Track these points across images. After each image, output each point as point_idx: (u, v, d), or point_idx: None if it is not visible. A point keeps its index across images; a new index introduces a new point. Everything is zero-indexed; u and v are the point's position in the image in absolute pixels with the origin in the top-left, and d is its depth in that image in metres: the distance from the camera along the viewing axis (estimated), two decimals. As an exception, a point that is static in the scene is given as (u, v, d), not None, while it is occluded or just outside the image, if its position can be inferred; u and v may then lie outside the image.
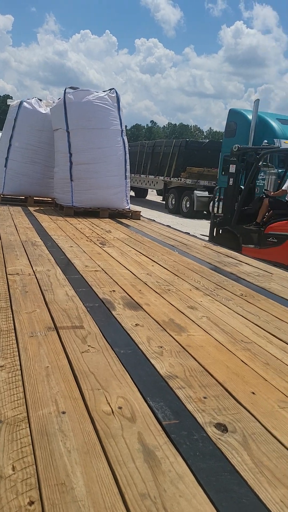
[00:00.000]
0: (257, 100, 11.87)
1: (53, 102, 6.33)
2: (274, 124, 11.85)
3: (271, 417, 1.29)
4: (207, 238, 7.49)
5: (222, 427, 1.22)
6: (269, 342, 1.91)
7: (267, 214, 7.44)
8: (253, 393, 1.43)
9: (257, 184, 10.50)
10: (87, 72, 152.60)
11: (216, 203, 8.50)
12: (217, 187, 8.76)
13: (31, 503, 0.88)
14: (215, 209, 8.45)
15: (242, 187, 7.74)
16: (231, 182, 7.58)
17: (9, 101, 6.88)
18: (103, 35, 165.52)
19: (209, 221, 13.55)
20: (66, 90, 5.60)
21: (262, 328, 2.07)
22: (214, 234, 7.83)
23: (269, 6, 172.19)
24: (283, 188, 7.44)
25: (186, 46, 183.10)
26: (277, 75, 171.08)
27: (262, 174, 10.58)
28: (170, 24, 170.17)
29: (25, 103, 6.41)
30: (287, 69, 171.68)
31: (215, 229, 7.90)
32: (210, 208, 13.58)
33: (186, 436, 1.16)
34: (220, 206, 8.26)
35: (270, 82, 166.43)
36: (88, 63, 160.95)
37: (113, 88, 5.79)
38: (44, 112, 6.41)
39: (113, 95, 5.74)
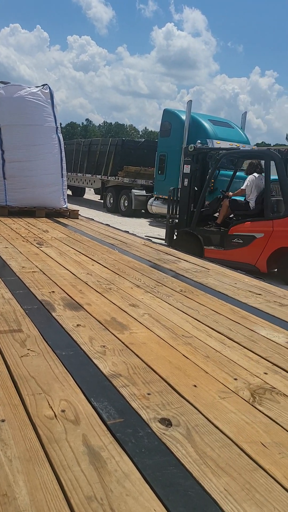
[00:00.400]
0: (190, 101, 12.18)
1: (-17, 97, 6.03)
2: (207, 125, 12.23)
3: (213, 408, 1.33)
4: (154, 240, 7.37)
5: (166, 422, 1.23)
6: (208, 335, 1.96)
7: (230, 215, 7.47)
8: (195, 386, 1.46)
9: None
10: (18, 67, 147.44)
11: (171, 205, 8.21)
12: (172, 188, 8.40)
13: None
14: (170, 211, 8.18)
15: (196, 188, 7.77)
16: (186, 183, 7.49)
17: None
18: (34, 30, 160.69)
19: (148, 220, 13.78)
20: (-4, 85, 5.37)
21: (201, 322, 2.13)
22: (172, 237, 7.64)
23: (198, 10, 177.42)
24: (242, 187, 7.39)
25: (119, 45, 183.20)
26: (207, 77, 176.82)
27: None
28: (102, 22, 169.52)
29: None
30: (216, 72, 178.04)
31: (173, 232, 7.70)
32: (149, 207, 13.79)
33: (131, 434, 1.16)
34: (173, 208, 8.05)
35: (201, 84, 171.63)
36: (19, 58, 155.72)
37: (46, 84, 5.65)
38: (-27, 107, 6.09)
39: (46, 91, 5.60)
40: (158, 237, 9.25)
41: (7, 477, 0.95)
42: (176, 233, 7.62)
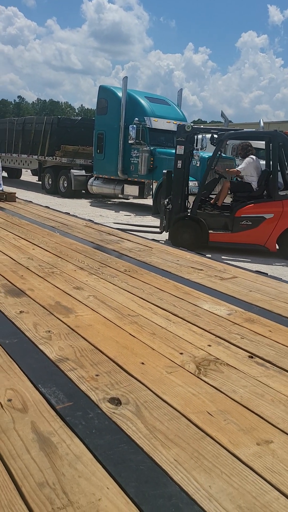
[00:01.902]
0: (126, 78, 12.00)
1: None
2: (144, 102, 12.16)
3: (160, 383, 1.36)
4: (126, 227, 6.80)
5: (115, 401, 1.24)
6: (154, 313, 1.99)
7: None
8: (143, 363, 1.49)
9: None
10: None
11: (160, 189, 7.76)
12: (165, 170, 7.82)
13: None
14: (165, 196, 7.65)
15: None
16: (179, 165, 7.03)
17: None
18: None
19: (89, 201, 13.58)
20: None
21: (146, 301, 2.15)
22: (169, 224, 7.09)
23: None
24: (238, 169, 7.36)
25: (48, 18, 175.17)
26: (142, 53, 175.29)
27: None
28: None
29: None
30: (151, 48, 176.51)
31: (169, 218, 7.13)
32: (89, 187, 13.50)
33: (81, 416, 1.16)
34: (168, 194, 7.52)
35: (136, 60, 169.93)
36: None
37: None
38: None
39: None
40: (136, 223, 8.96)
41: None
42: (174, 219, 7.03)
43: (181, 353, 1.59)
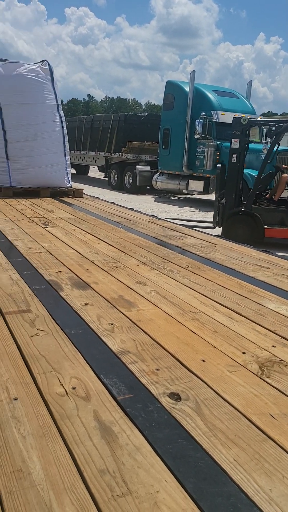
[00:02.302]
0: (193, 72, 11.88)
1: (-19, 76, 5.93)
2: (211, 96, 11.96)
3: (221, 382, 1.35)
4: (191, 224, 6.75)
5: (175, 396, 1.25)
6: (216, 310, 1.97)
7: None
8: (203, 360, 1.48)
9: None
10: (16, 44, 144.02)
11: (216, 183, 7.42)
12: (219, 164, 7.54)
13: (-13, 494, 0.86)
14: (218, 190, 7.30)
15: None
16: (234, 159, 6.85)
17: None
18: (31, 3, 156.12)
19: (153, 196, 13.68)
20: (-5, 63, 5.26)
21: (209, 298, 2.13)
22: (223, 219, 6.88)
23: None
24: None
25: (117, 16, 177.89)
26: (211, 46, 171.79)
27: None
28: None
29: None
30: (220, 40, 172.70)
31: (223, 213, 6.92)
32: (154, 183, 13.60)
33: (141, 409, 1.18)
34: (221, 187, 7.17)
35: (204, 53, 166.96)
36: (16, 34, 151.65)
37: (45, 60, 5.53)
38: (-28, 86, 5.99)
39: (45, 67, 5.48)
40: (191, 219, 8.87)
41: (21, 453, 0.98)
42: (228, 214, 6.83)
43: (244, 353, 1.55)
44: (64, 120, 5.77)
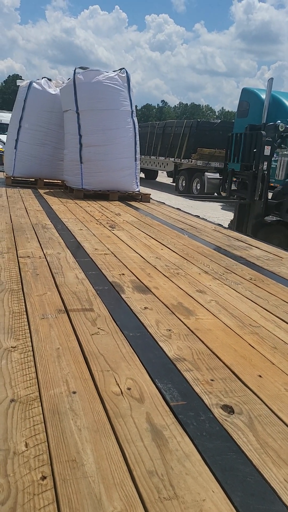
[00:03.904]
0: (271, 79, 11.57)
1: (63, 83, 6.27)
2: (288, 103, 11.59)
3: (277, 400, 1.32)
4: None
5: (228, 409, 1.25)
6: (277, 326, 1.92)
7: None
8: (260, 376, 1.46)
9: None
10: (96, 50, 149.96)
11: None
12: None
13: (43, 478, 0.92)
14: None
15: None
16: (265, 166, 6.80)
17: (18, 82, 6.82)
18: (113, 11, 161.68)
19: (220, 204, 13.51)
20: (76, 70, 5.54)
21: (270, 312, 2.08)
22: (256, 227, 6.77)
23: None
24: None
25: (196, 22, 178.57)
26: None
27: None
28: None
29: (34, 84, 6.35)
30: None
31: (249, 220, 6.82)
32: (219, 191, 13.43)
33: (193, 417, 1.19)
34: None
35: (284, 59, 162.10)
36: (97, 41, 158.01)
37: (123, 68, 5.71)
38: (53, 93, 6.35)
39: (123, 75, 5.66)
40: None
41: (76, 444, 1.03)
42: (261, 223, 6.78)
43: (303, 372, 1.51)
44: (137, 126, 5.91)
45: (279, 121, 10.96)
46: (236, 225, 7.11)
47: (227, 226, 6.43)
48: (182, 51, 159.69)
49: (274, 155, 11.32)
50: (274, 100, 11.59)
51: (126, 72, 5.67)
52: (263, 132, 6.70)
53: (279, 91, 12.58)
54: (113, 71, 5.67)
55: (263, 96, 11.71)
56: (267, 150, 6.71)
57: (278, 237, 6.60)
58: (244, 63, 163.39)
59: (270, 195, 7.40)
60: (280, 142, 7.21)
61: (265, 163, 6.79)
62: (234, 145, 7.39)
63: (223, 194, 7.56)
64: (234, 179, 7.73)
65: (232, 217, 7.47)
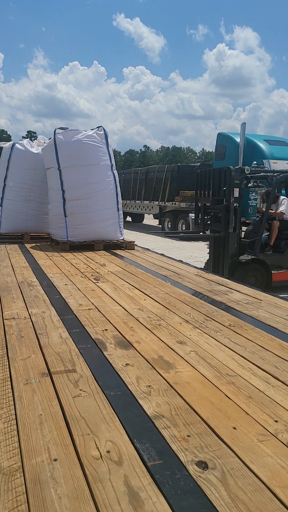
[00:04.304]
0: (244, 124, 12.19)
1: (44, 142, 6.57)
2: (262, 145, 12.17)
3: (250, 451, 1.39)
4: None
5: (203, 465, 1.31)
6: (253, 374, 2.00)
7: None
8: (235, 428, 1.53)
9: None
10: (78, 103, 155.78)
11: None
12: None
13: None
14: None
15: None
16: (236, 205, 7.06)
17: (1, 144, 7.13)
18: (92, 66, 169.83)
19: (206, 243, 13.78)
20: (56, 131, 5.84)
21: (247, 360, 2.17)
22: (229, 266, 7.01)
23: (249, 28, 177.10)
24: (281, 210, 7.61)
25: (171, 71, 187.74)
26: (264, 93, 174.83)
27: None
28: (155, 51, 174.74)
29: (17, 145, 6.66)
30: (273, 87, 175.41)
31: (225, 259, 7.07)
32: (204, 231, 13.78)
33: (169, 476, 1.26)
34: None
35: (258, 101, 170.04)
36: (78, 94, 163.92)
37: (101, 126, 6.03)
38: (36, 152, 6.65)
39: (101, 132, 5.98)
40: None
41: (56, 513, 1.09)
42: (238, 263, 7.04)
43: (276, 421, 1.58)
44: (117, 179, 6.18)
45: (254, 162, 11.48)
46: (212, 265, 7.37)
47: (202, 267, 6.70)
48: (160, 98, 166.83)
49: (254, 194, 11.78)
50: (248, 143, 12.16)
51: (104, 129, 6.00)
52: (231, 167, 7.07)
53: (253, 134, 13.23)
54: (91, 129, 5.99)
55: (238, 139, 12.28)
56: (236, 192, 7.08)
57: (255, 275, 6.87)
58: (220, 106, 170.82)
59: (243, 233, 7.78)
60: (246, 183, 7.71)
61: (236, 204, 7.11)
62: (203, 182, 7.75)
63: (197, 228, 7.86)
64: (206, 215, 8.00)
65: (208, 258, 7.72)
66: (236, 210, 7.04)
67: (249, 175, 7.43)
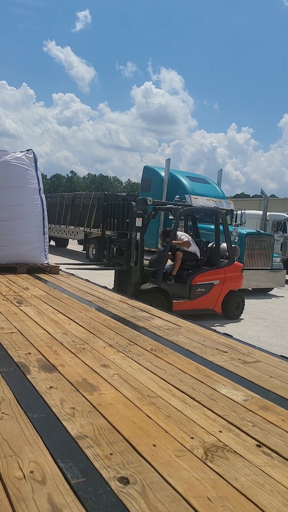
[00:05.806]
0: (168, 160, 12.88)
1: None
2: (185, 181, 12.89)
3: (168, 466, 1.48)
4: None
5: (124, 480, 1.38)
6: (172, 395, 2.12)
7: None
8: (154, 445, 1.62)
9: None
10: (3, 122, 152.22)
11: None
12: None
13: None
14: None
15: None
16: (138, 237, 7.38)
17: None
18: (20, 87, 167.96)
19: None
20: (-17, 151, 5.72)
21: (167, 382, 2.29)
22: (135, 295, 7.05)
23: (174, 71, 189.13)
24: (185, 241, 8.16)
25: (100, 102, 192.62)
26: (187, 132, 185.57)
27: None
28: (85, 81, 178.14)
29: None
30: (195, 128, 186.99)
31: (128, 288, 7.42)
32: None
33: (92, 492, 1.30)
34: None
35: (181, 138, 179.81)
36: (4, 113, 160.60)
37: (30, 149, 6.03)
38: None
39: (30, 155, 5.97)
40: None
41: (-22, 534, 1.08)
42: (140, 291, 7.34)
43: (192, 438, 1.70)
44: (45, 202, 6.17)
45: (177, 196, 12.09)
46: (117, 292, 7.50)
47: None
48: (89, 126, 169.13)
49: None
50: (173, 178, 12.83)
51: (33, 153, 6.00)
52: (133, 202, 7.45)
53: (177, 170, 13.98)
54: (21, 152, 5.96)
55: (163, 173, 12.91)
56: (138, 222, 7.38)
57: (156, 303, 7.04)
58: (146, 140, 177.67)
59: (147, 262, 8.19)
60: (154, 214, 8.22)
61: (138, 234, 7.44)
62: (110, 214, 8.04)
63: (104, 261, 8.13)
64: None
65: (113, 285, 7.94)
66: (137, 245, 7.38)
67: (157, 207, 7.94)
